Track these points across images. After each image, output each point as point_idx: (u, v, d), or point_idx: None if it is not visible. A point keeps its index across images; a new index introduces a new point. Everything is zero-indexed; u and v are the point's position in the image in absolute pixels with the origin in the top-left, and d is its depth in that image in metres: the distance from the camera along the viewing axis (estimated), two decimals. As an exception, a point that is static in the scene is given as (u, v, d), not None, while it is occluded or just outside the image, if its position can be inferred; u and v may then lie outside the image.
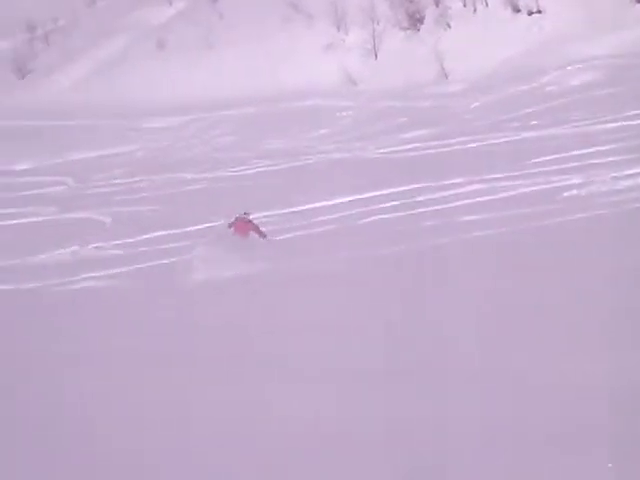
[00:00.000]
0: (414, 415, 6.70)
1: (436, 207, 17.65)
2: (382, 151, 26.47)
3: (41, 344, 10.98)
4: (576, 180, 17.46)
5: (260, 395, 7.79)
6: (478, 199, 17.80)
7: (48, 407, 8.10)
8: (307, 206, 19.75)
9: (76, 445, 7.03)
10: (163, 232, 19.21)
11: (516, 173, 19.46)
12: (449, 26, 45.61)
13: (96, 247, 18.67)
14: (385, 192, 19.74)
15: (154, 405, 7.81)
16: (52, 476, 6.47)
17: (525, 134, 24.78)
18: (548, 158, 20.40)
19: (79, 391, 8.49)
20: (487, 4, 45.31)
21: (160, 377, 8.73)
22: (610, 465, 5.43)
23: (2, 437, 7.32)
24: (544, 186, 17.89)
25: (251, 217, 16.67)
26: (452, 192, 18.76)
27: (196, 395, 7.97)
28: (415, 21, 47.22)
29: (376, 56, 46.87)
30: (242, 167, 27.25)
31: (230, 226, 16.39)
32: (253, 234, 16.23)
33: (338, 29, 49.25)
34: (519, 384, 7.08)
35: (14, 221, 22.33)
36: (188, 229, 19.07)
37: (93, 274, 15.86)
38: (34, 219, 22.57)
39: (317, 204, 19.78)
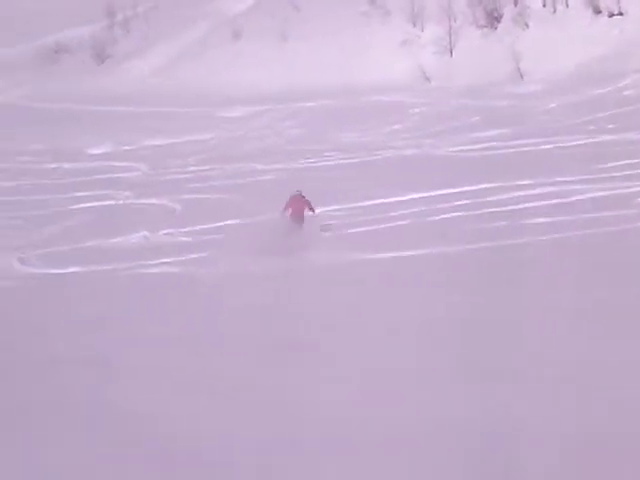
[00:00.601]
0: (485, 416, 6.69)
1: (507, 208, 17.54)
2: (454, 149, 26.34)
3: (128, 326, 11.24)
4: (651, 186, 17.20)
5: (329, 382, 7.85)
6: (550, 201, 17.64)
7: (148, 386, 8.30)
8: (377, 201, 19.77)
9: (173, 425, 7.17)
10: (232, 221, 19.40)
11: (590, 176, 19.22)
12: (527, 26, 45.13)
13: (166, 233, 18.91)
14: (456, 190, 19.67)
15: (235, 389, 7.95)
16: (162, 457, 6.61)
17: (601, 137, 24.46)
18: (623, 162, 20.11)
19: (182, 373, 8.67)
20: (567, 4, 44.72)
21: (236, 360, 8.89)
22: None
23: (103, 418, 7.48)
24: (618, 191, 17.65)
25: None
26: (523, 193, 18.62)
27: (273, 379, 8.08)
28: (493, 19, 46.82)
29: (451, 53, 46.60)
30: (313, 159, 27.35)
31: (286, 208, 17.12)
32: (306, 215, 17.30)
33: (414, 25, 49.09)
34: (606, 392, 7.00)
35: (89, 204, 22.72)
36: (257, 218, 19.21)
37: (163, 260, 16.10)
38: (108, 203, 22.94)
39: (387, 199, 19.78)
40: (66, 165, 30.28)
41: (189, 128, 37.48)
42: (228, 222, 19.29)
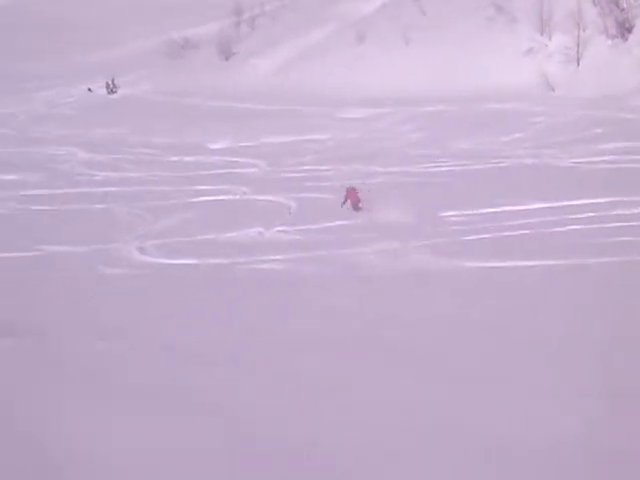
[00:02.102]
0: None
1: (630, 223, 17.03)
2: (576, 160, 25.72)
3: (236, 319, 11.39)
4: None
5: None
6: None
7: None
8: (495, 209, 19.48)
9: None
10: (345, 221, 19.43)
11: None
12: (659, 38, 43.79)
13: (280, 230, 19.05)
14: (577, 202, 19.21)
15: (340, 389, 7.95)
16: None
17: None
18: None
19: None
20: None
21: (337, 360, 8.90)
22: None
23: (205, 406, 7.60)
24: None
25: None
26: (648, 209, 18.08)
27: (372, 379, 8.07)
28: (624, 30, 45.57)
29: (578, 63, 45.57)
30: (430, 164, 27.13)
31: (345, 201, 20.51)
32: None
33: (541, 33, 48.19)
34: None
35: (207, 198, 23.11)
36: (369, 221, 19.19)
37: (275, 256, 16.25)
38: (226, 197, 23.28)
39: (506, 208, 19.47)
40: (187, 158, 30.89)
41: (308, 127, 37.72)
42: (341, 222, 19.32)
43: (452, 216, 19.13)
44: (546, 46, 47.40)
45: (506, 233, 17.37)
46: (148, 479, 6.41)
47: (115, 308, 12.63)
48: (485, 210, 19.51)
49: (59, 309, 12.54)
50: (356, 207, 20.48)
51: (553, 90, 43.55)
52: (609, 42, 45.46)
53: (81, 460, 6.66)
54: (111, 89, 54.52)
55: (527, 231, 17.40)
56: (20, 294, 14.00)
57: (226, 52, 59.73)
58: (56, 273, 15.82)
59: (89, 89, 55.20)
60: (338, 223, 19.34)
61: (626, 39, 45.12)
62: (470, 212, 19.43)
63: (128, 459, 6.67)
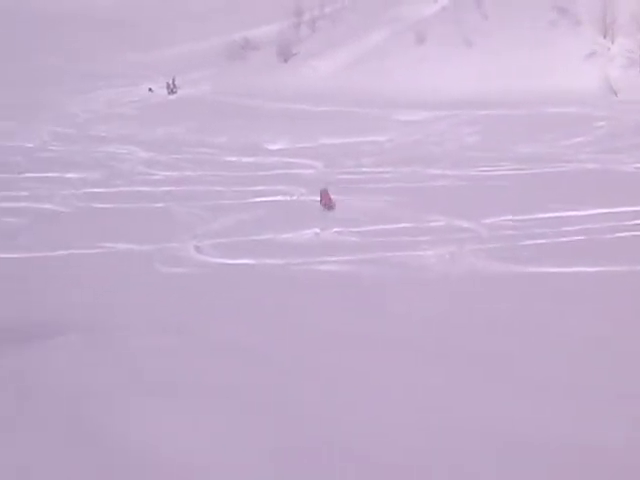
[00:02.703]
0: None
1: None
2: (638, 165, 25.38)
3: (291, 320, 11.47)
4: None
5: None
6: None
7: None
8: (554, 214, 19.29)
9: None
10: (404, 224, 19.37)
11: None
12: None
13: (336, 232, 19.06)
14: (638, 209, 18.96)
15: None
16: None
17: None
18: None
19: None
20: None
21: (403, 364, 8.92)
22: None
23: (267, 408, 7.67)
24: None
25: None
26: None
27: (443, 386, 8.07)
28: (689, 33, 44.84)
29: (641, 67, 44.96)
30: (489, 168, 26.96)
31: (322, 201, 21.45)
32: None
33: (604, 36, 47.60)
34: None
35: (264, 198, 23.22)
36: (430, 224, 19.14)
37: (332, 258, 16.27)
38: (283, 198, 23.38)
39: (565, 213, 19.27)
40: (245, 159, 31.07)
41: (366, 129, 37.72)
42: (401, 225, 19.29)
43: (509, 220, 19.00)
44: (608, 49, 46.83)
45: (564, 238, 17.20)
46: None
47: (174, 306, 12.78)
48: (543, 215, 19.34)
49: (120, 306, 12.73)
50: (328, 207, 21.45)
51: (615, 94, 42.98)
52: (673, 46, 44.76)
53: (148, 459, 6.74)
54: (171, 89, 55.07)
55: (586, 237, 17.21)
56: (83, 291, 14.24)
57: (285, 53, 59.98)
58: (117, 271, 16.05)
59: (150, 89, 55.84)
60: (395, 225, 19.29)
61: (692, 43, 44.39)
62: (528, 216, 19.27)
63: (195, 458, 6.74)
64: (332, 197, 21.59)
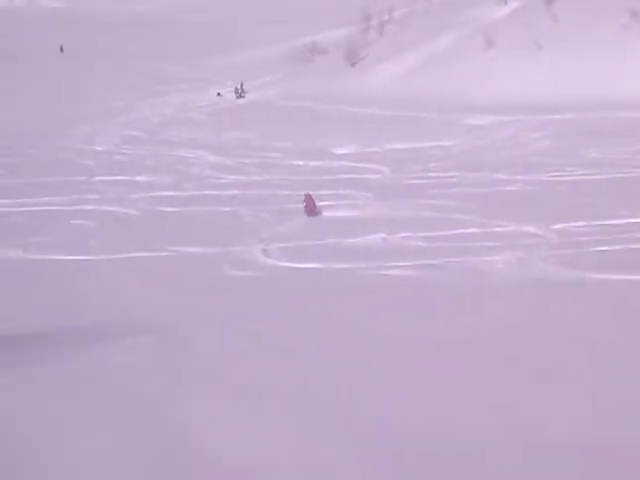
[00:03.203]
0: None
1: None
2: None
3: (362, 325, 11.50)
4: None
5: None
6: None
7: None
8: (624, 220, 19.01)
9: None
10: (471, 229, 19.28)
11: None
12: None
13: (404, 237, 19.04)
14: None
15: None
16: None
17: None
18: None
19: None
20: None
21: (458, 367, 8.89)
22: None
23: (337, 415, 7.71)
24: None
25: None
26: None
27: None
28: None
29: None
30: (557, 173, 26.63)
31: (305, 206, 21.54)
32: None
33: (678, 39, 46.71)
34: None
35: (328, 202, 23.24)
36: (497, 230, 19.01)
37: (399, 263, 16.25)
38: (347, 202, 23.41)
39: (636, 219, 18.98)
40: (312, 163, 31.18)
41: (433, 134, 37.56)
42: (468, 230, 19.19)
43: (579, 226, 18.79)
44: (683, 53, 45.96)
45: (634, 246, 16.94)
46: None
47: (242, 310, 12.90)
48: (613, 221, 19.06)
49: (189, 309, 12.90)
50: (311, 213, 21.66)
51: (689, 99, 42.10)
52: None
53: (219, 460, 6.83)
54: (239, 94, 55.53)
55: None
56: (152, 294, 14.46)
57: (353, 58, 60.02)
58: (185, 274, 16.26)
59: (218, 94, 56.37)
60: (463, 230, 19.20)
61: None
62: (598, 222, 19.02)
63: (264, 460, 6.81)
64: (317, 203, 21.72)
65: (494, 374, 8.84)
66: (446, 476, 6.63)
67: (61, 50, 76.89)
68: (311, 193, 22.01)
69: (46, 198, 24.74)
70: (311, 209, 21.75)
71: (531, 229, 18.76)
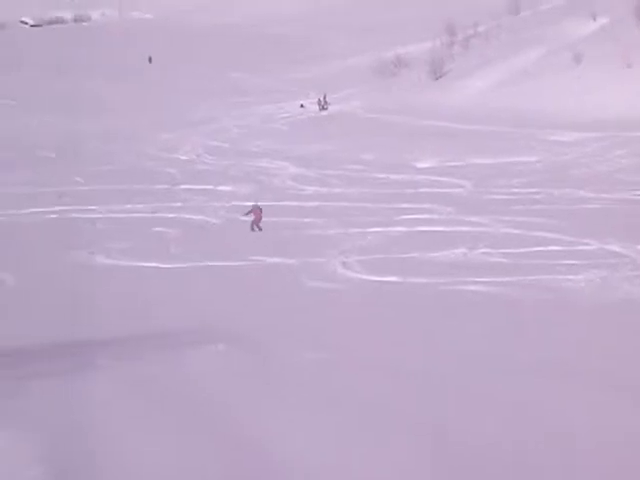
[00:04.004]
0: None
1: None
2: None
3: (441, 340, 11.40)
4: None
5: None
6: None
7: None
8: None
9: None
10: (554, 247, 18.98)
11: None
12: None
13: (484, 252, 18.83)
14: None
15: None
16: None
17: None
18: None
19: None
20: None
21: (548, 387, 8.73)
22: None
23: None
24: None
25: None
26: None
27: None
28: None
29: None
30: (643, 192, 26.11)
31: (248, 214, 22.32)
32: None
33: None
34: None
35: (411, 216, 23.15)
36: (581, 248, 18.66)
37: (480, 279, 16.04)
38: (430, 217, 23.26)
39: None
40: (393, 176, 31.12)
41: (516, 149, 37.17)
42: (550, 248, 18.89)
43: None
44: None
45: None
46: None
47: (320, 320, 12.88)
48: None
49: (267, 318, 12.92)
50: (256, 226, 22.04)
51: None
52: None
53: (293, 470, 6.81)
54: (322, 105, 55.76)
55: None
56: (230, 302, 14.54)
57: (437, 71, 59.83)
58: (264, 283, 16.32)
59: (301, 105, 56.70)
60: (544, 248, 18.91)
61: None
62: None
63: (343, 475, 6.76)
64: (261, 216, 22.12)
65: (597, 397, 8.63)
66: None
67: (150, 61, 78.39)
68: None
69: (129, 205, 25.17)
70: (256, 222, 22.02)
71: (615, 248, 18.38)
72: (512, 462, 7.01)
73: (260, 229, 22.02)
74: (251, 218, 22.27)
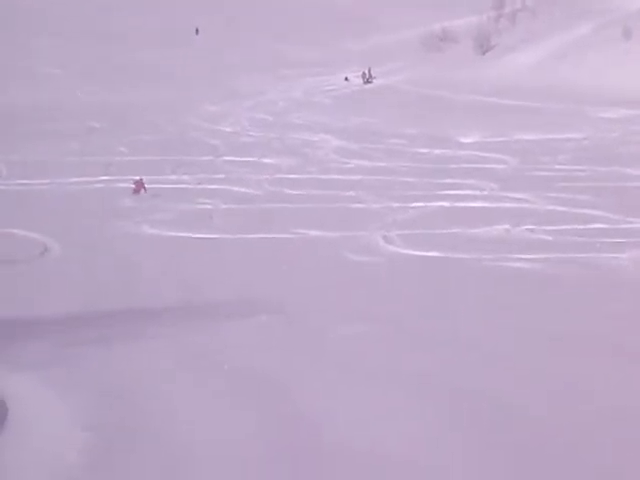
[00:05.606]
0: None
1: None
2: None
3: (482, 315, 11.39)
4: None
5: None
6: None
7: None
8: None
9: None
10: (599, 225, 18.82)
11: None
12: None
13: (528, 229, 18.70)
14: None
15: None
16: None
17: None
18: None
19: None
20: None
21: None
22: None
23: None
24: None
25: None
26: None
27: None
28: None
29: None
30: (691, 170, 25.71)
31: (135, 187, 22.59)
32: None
33: None
34: None
35: (454, 191, 23.04)
36: (626, 226, 18.48)
37: (523, 255, 15.98)
38: (473, 192, 23.13)
39: None
40: (436, 151, 30.94)
41: (562, 125, 36.75)
42: (596, 225, 18.72)
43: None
44: None
45: None
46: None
47: (363, 294, 12.94)
48: None
49: (310, 291, 13.00)
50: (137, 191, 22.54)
51: None
52: None
53: (340, 446, 6.85)
54: (367, 79, 55.53)
55: None
56: (274, 274, 14.64)
57: (483, 46, 59.27)
58: (306, 256, 16.39)
59: (346, 78, 56.52)
60: (590, 225, 18.74)
61: None
62: None
63: (389, 449, 6.80)
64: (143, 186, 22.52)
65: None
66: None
67: (196, 32, 78.51)
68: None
69: (174, 176, 25.34)
70: (137, 189, 22.42)
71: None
72: (569, 436, 7.02)
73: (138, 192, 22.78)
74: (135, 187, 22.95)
